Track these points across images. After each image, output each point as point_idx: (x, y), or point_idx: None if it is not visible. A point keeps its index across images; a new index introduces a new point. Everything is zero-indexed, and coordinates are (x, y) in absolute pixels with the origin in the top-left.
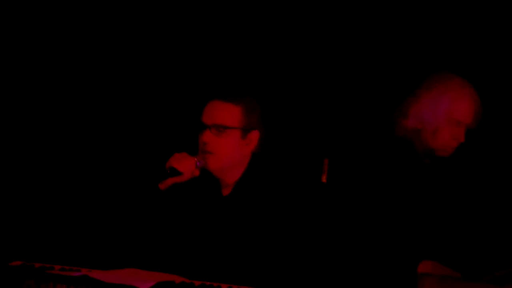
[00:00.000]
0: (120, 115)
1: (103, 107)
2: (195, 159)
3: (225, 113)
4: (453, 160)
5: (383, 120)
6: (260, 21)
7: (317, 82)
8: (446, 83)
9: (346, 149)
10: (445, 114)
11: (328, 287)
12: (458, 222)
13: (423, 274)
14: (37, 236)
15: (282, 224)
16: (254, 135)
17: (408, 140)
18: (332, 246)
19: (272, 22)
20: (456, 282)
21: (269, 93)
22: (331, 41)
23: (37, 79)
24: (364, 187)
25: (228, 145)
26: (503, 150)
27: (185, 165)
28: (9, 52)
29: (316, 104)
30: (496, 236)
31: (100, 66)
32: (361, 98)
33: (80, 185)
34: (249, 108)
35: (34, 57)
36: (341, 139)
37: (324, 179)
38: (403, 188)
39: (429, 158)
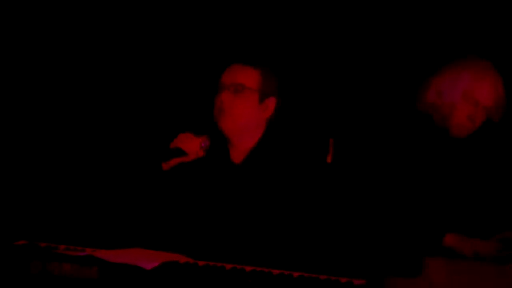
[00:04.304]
0: (127, 94)
1: (109, 83)
2: (200, 139)
3: (244, 74)
4: (472, 137)
5: (403, 94)
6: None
7: (331, 63)
8: (471, 62)
9: (363, 125)
10: (463, 90)
11: (345, 261)
12: (477, 195)
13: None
14: (41, 215)
15: (294, 197)
16: (271, 102)
17: (428, 115)
18: (351, 221)
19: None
20: (463, 263)
21: (283, 65)
22: (349, 18)
23: (40, 56)
24: (382, 161)
25: (244, 106)
26: None
27: (190, 146)
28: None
29: (329, 84)
30: None
31: (106, 37)
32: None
33: (85, 164)
34: (268, 74)
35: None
36: (357, 115)
37: (329, 159)
38: (422, 162)
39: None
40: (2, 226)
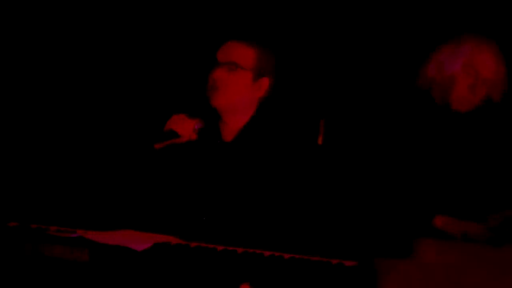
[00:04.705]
0: (121, 74)
1: (103, 64)
2: (194, 122)
3: (239, 52)
4: (471, 115)
5: (397, 73)
6: None
7: (326, 42)
8: (471, 36)
9: (354, 105)
10: (463, 61)
11: (336, 243)
12: (473, 176)
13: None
14: (32, 197)
15: (285, 178)
16: (265, 82)
17: (426, 90)
18: (342, 203)
19: None
20: (454, 244)
21: (276, 44)
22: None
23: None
24: (374, 141)
25: (238, 84)
26: None
27: (184, 128)
28: None
29: (322, 63)
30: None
31: (99, 18)
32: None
33: (77, 146)
34: (264, 53)
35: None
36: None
37: (320, 140)
38: (419, 138)
39: (447, 110)
40: None
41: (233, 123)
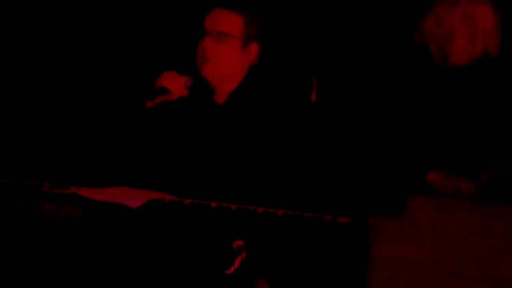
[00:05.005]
0: (112, 31)
1: (94, 22)
2: (185, 78)
3: (227, 21)
4: (468, 70)
5: (387, 28)
6: None
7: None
8: None
9: (347, 61)
10: (462, 13)
11: (329, 200)
12: (468, 131)
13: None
14: (24, 154)
15: (278, 135)
16: (254, 48)
17: (423, 45)
18: (335, 160)
19: None
20: (447, 201)
21: (266, 8)
22: None
23: None
24: (367, 97)
25: (227, 53)
26: None
27: (175, 84)
28: None
29: (313, 20)
30: (505, 147)
31: None
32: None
33: (68, 102)
34: (251, 19)
35: None
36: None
37: (313, 97)
38: (413, 93)
39: (444, 65)
40: None
41: (223, 89)
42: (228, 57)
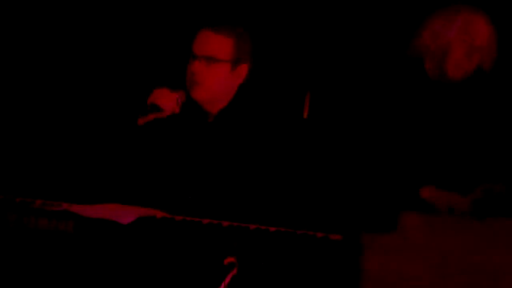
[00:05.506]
0: (103, 47)
1: (87, 37)
2: (177, 95)
3: (216, 45)
4: (462, 85)
5: (381, 44)
6: None
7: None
8: (464, 6)
9: (339, 78)
10: (458, 29)
11: (321, 217)
12: (461, 147)
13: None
14: (16, 171)
15: (270, 151)
16: (243, 69)
17: (417, 60)
18: (327, 177)
19: None
20: (439, 218)
21: (257, 23)
22: None
23: None
24: (360, 113)
25: (216, 77)
26: None
27: (166, 102)
28: None
29: (307, 35)
30: (498, 163)
31: None
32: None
33: (60, 119)
34: (241, 40)
35: None
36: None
37: (305, 114)
38: (406, 109)
39: (440, 81)
40: None
41: (213, 109)
42: (217, 81)
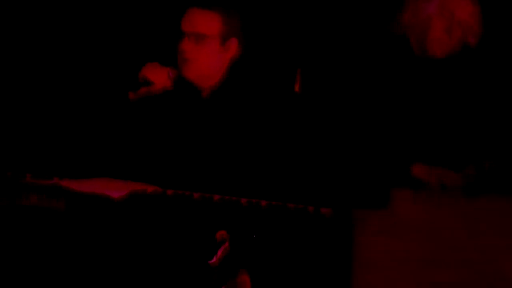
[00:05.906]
0: (94, 23)
1: (78, 14)
2: (168, 69)
3: (204, 21)
4: (449, 61)
5: (373, 19)
6: None
7: None
8: None
9: (331, 52)
10: (437, 4)
11: (313, 192)
12: (452, 123)
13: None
14: (7, 146)
15: (262, 126)
16: (233, 43)
17: (403, 37)
18: (318, 151)
19: None
20: (430, 195)
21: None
22: None
23: None
24: (351, 88)
25: (207, 53)
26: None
27: (158, 75)
28: None
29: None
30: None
31: None
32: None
33: (52, 93)
34: (228, 15)
35: None
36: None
37: (297, 88)
38: (395, 85)
39: (426, 57)
40: None
41: (206, 84)
42: (208, 57)
